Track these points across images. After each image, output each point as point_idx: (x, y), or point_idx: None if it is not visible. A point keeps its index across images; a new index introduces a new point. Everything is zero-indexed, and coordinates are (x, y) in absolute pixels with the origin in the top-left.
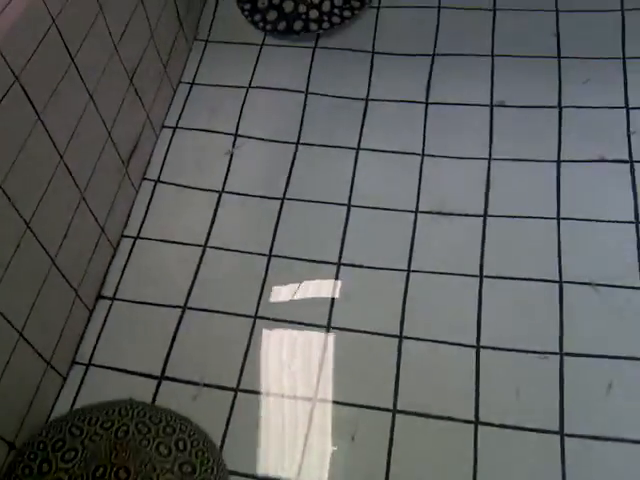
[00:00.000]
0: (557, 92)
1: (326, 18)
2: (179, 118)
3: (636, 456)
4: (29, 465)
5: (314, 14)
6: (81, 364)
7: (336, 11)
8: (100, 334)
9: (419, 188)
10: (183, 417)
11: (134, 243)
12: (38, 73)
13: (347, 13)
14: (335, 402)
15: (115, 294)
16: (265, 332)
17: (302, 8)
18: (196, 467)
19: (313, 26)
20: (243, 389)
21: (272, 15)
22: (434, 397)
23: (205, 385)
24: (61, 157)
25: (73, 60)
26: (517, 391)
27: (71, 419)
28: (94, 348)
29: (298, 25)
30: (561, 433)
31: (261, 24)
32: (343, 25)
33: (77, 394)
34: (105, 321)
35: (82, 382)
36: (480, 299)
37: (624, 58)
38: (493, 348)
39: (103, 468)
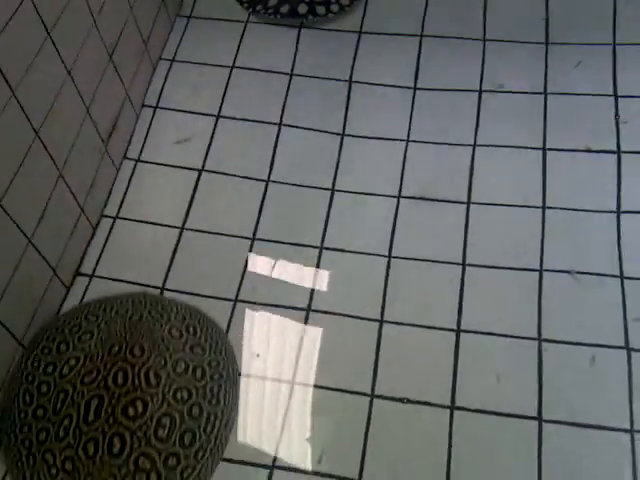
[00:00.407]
0: (543, 78)
1: (333, 0)
2: (160, 97)
3: (613, 443)
4: (48, 346)
5: None
6: None
7: None
8: None
9: (402, 173)
10: (193, 307)
11: (114, 223)
12: (11, 47)
13: (345, 0)
14: (314, 386)
15: (94, 272)
16: (246, 315)
17: None
18: (206, 349)
19: (320, 9)
20: None
21: (273, 1)
22: (412, 381)
23: None
24: (36, 133)
25: (49, 34)
26: (497, 376)
27: (86, 308)
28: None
29: (303, 8)
30: (539, 419)
31: (262, 10)
32: (352, 7)
33: None
34: (82, 299)
35: None
36: (462, 285)
37: (614, 44)
38: (474, 332)
39: (118, 346)
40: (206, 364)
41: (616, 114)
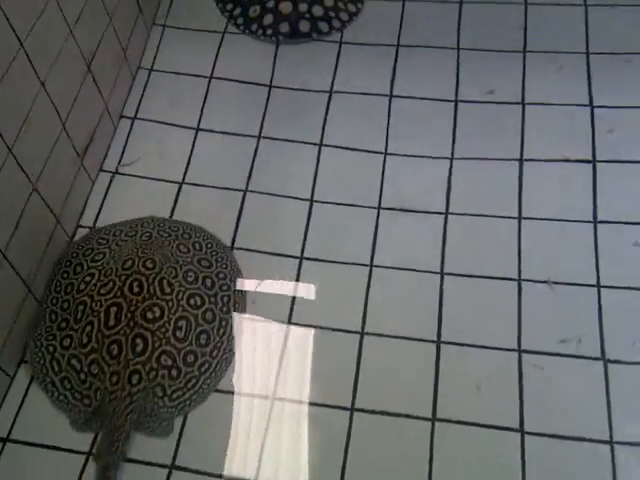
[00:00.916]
0: (521, 88)
1: (333, 14)
2: (138, 108)
3: (593, 455)
4: (66, 270)
5: (318, 11)
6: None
7: (340, 4)
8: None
9: (382, 184)
10: (198, 226)
11: None
12: None
13: (351, 7)
14: (293, 400)
15: None
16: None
17: (303, 7)
18: (212, 262)
19: (323, 26)
20: None
21: (268, 19)
22: (393, 394)
23: None
24: (9, 149)
25: (22, 45)
26: (478, 387)
27: (97, 234)
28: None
29: (304, 26)
30: (521, 431)
31: (260, 31)
32: (352, 22)
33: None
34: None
35: None
36: (441, 295)
37: (587, 54)
38: (454, 343)
39: (131, 260)
40: (214, 275)
41: (593, 127)
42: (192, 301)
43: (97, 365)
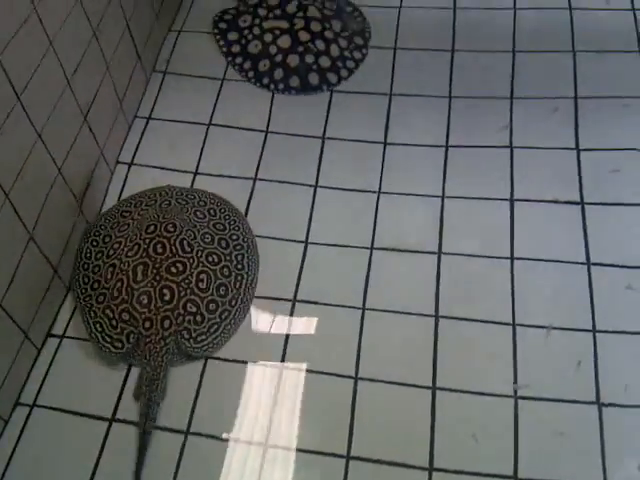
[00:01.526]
0: (509, 132)
1: (341, 64)
2: (135, 154)
3: None
4: (95, 239)
5: (325, 62)
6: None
7: (346, 54)
8: (48, 371)
9: (375, 225)
10: (212, 194)
11: None
12: None
13: (357, 54)
14: (285, 447)
15: (64, 333)
16: (217, 371)
17: (309, 58)
18: (226, 226)
19: (332, 77)
20: (193, 432)
21: (279, 74)
22: (389, 442)
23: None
24: (6, 195)
25: (19, 98)
26: (474, 436)
27: (120, 206)
28: (38, 390)
29: (314, 79)
30: (515, 478)
31: (272, 86)
32: (357, 69)
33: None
34: (52, 360)
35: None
36: (435, 339)
37: (576, 99)
38: (449, 390)
39: (154, 225)
40: (228, 237)
41: (579, 169)
42: (210, 259)
43: (128, 313)
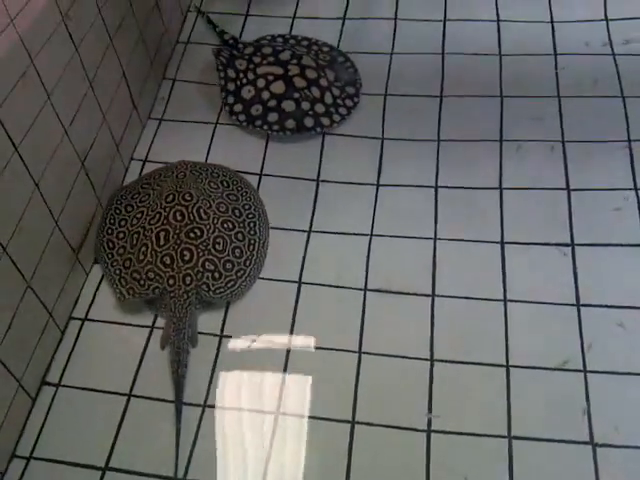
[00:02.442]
0: (498, 174)
1: (333, 110)
2: None
3: None
4: (118, 207)
5: (320, 108)
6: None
7: (339, 101)
8: (44, 423)
9: (367, 266)
10: (223, 166)
11: (82, 325)
12: None
13: (349, 102)
14: None
15: (60, 381)
16: (214, 420)
17: (305, 105)
18: (238, 197)
19: (325, 120)
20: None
21: (273, 116)
22: None
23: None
24: (4, 249)
25: (17, 149)
26: (466, 478)
27: (139, 181)
28: (35, 441)
29: (309, 122)
30: None
31: (266, 126)
32: (350, 115)
33: None
34: (49, 411)
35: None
36: (431, 383)
37: (563, 142)
38: (444, 432)
39: (172, 195)
40: (241, 207)
41: (570, 209)
42: (225, 225)
43: (154, 272)
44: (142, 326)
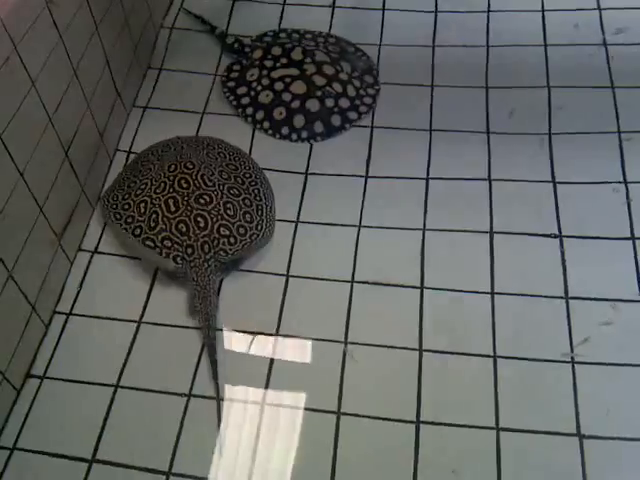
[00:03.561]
0: (487, 165)
1: (359, 102)
2: None
3: None
4: (120, 185)
5: (345, 103)
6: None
7: (362, 92)
8: (27, 414)
9: (355, 258)
10: (219, 139)
11: (67, 319)
12: None
13: (371, 90)
14: None
15: (45, 373)
16: (200, 411)
17: (330, 102)
18: (237, 166)
19: (352, 115)
20: (175, 473)
21: (299, 121)
22: (373, 478)
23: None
24: None
25: (1, 137)
26: (454, 471)
27: (139, 158)
28: (20, 430)
29: (336, 120)
30: None
31: (294, 135)
32: (374, 104)
33: None
34: (33, 401)
35: None
36: (420, 373)
37: (550, 134)
38: (433, 423)
39: (174, 165)
40: (241, 175)
41: (556, 202)
42: (231, 191)
43: (169, 240)
44: (128, 320)
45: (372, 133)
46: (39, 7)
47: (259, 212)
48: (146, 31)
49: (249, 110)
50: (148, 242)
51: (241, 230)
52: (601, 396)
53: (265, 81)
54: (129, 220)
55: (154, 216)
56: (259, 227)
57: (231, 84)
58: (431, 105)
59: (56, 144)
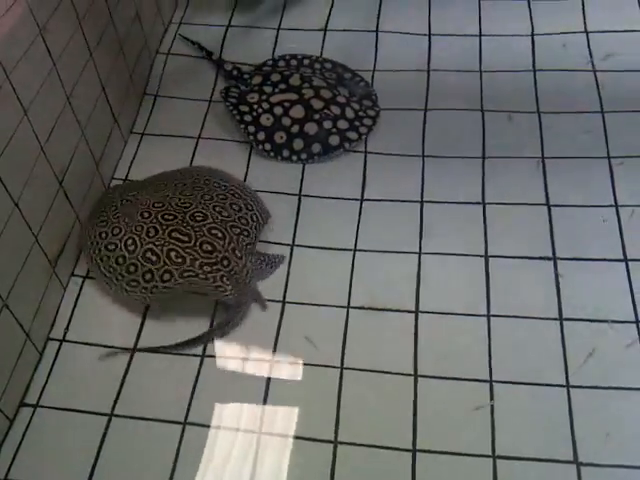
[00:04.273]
0: (481, 189)
1: (358, 123)
2: None
3: None
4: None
5: (344, 124)
6: None
7: (361, 114)
8: (20, 444)
9: (351, 283)
10: (200, 167)
11: (60, 346)
12: None
13: (371, 112)
14: None
15: (38, 402)
16: (195, 440)
17: (328, 124)
18: (226, 194)
19: (352, 135)
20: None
21: (299, 144)
22: None
23: None
24: None
25: None
26: None
27: (120, 197)
28: (12, 460)
29: (334, 140)
30: None
31: (294, 157)
32: (374, 126)
33: None
34: (28, 427)
35: None
36: (415, 399)
37: (543, 158)
38: (429, 451)
39: (158, 203)
40: (233, 205)
41: (551, 224)
42: (217, 209)
43: (206, 265)
44: (123, 348)
45: (366, 158)
46: (32, 34)
47: (249, 233)
48: (142, 57)
49: (251, 128)
50: (188, 274)
51: (241, 239)
52: (598, 421)
53: (265, 105)
54: (147, 277)
55: (173, 254)
56: (249, 247)
57: (233, 100)
58: (423, 130)
59: (50, 173)
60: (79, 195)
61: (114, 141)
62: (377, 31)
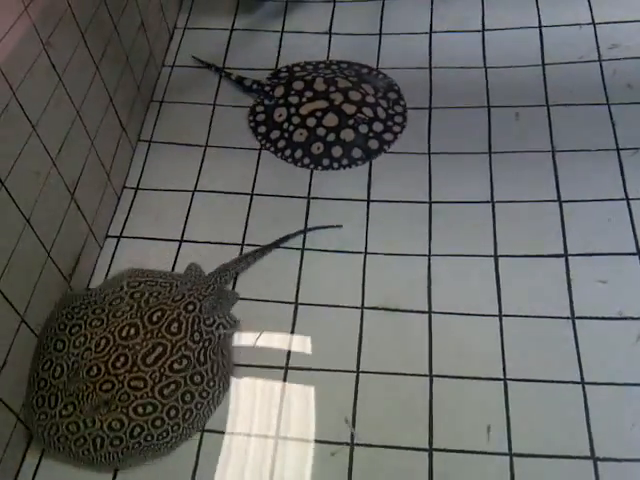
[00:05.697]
0: (489, 187)
1: (391, 123)
2: (123, 227)
3: None
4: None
5: (379, 127)
6: None
7: (391, 112)
8: None
9: (364, 285)
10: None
11: None
12: None
13: (399, 108)
14: None
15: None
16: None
17: (363, 128)
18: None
19: (388, 136)
20: None
21: (337, 151)
22: None
23: None
24: None
25: (4, 184)
26: None
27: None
28: None
29: (374, 144)
30: None
31: (336, 164)
32: (406, 122)
33: None
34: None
35: None
36: (431, 399)
37: (553, 152)
38: (445, 450)
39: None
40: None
41: (562, 220)
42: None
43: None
44: None
45: (371, 162)
46: (36, 50)
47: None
48: (148, 65)
49: (287, 152)
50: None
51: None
52: (614, 417)
53: (296, 119)
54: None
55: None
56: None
57: (262, 129)
58: (429, 128)
59: (62, 186)
60: (92, 206)
61: (123, 150)
62: (380, 34)
